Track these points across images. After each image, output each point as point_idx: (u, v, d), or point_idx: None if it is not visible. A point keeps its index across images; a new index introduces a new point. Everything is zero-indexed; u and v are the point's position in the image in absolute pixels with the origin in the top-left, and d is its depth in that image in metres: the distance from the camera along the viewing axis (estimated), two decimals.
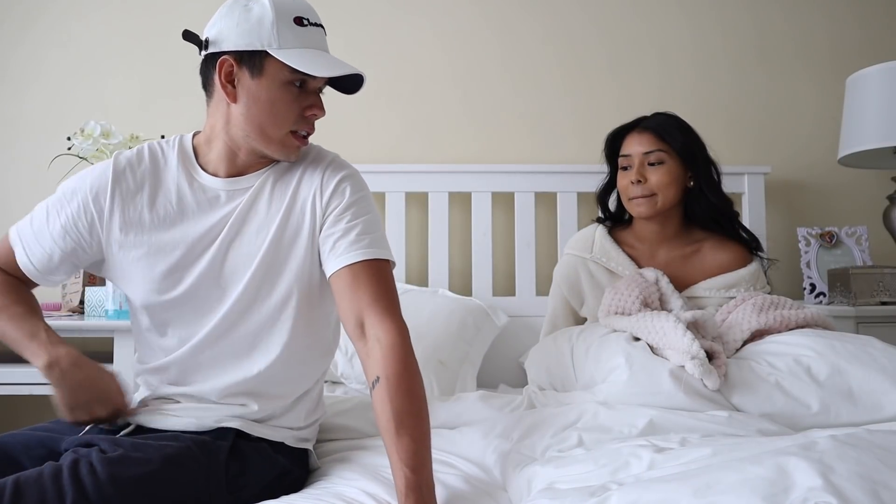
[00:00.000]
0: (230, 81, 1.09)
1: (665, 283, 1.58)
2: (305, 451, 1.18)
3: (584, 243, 1.74)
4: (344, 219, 1.12)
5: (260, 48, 1.06)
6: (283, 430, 1.14)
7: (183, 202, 1.13)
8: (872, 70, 2.06)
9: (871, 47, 2.42)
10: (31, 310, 1.13)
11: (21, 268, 1.15)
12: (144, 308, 1.13)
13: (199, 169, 1.16)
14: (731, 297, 1.62)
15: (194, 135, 1.20)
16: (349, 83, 1.14)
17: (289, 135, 1.12)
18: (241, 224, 1.13)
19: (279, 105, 1.09)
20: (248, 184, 1.15)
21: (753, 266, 1.67)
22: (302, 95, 1.11)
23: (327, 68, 1.08)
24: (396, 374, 1.00)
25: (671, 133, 1.64)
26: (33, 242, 1.14)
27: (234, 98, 1.10)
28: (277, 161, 1.17)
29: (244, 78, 1.08)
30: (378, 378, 1.00)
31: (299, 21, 1.08)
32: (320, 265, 1.14)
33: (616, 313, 1.52)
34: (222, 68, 1.08)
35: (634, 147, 1.65)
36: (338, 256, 1.09)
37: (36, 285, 1.19)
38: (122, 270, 1.14)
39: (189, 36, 1.13)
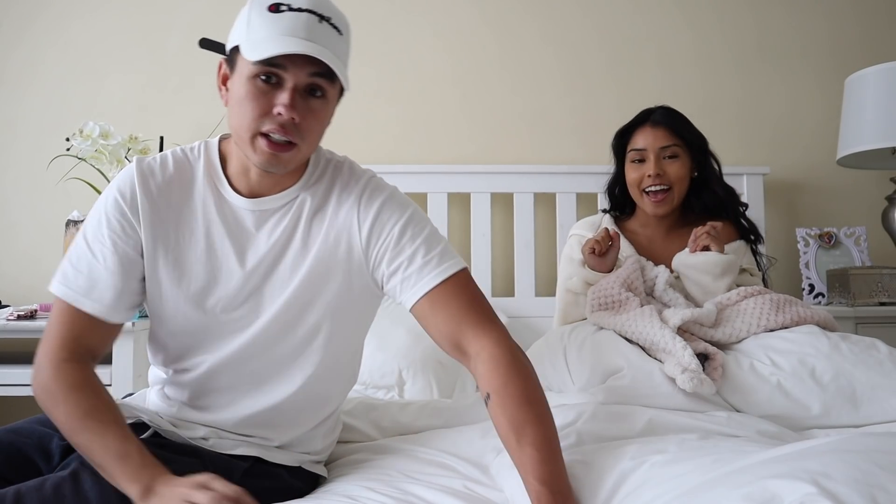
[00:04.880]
0: (225, 84, 1.04)
1: (662, 280, 1.58)
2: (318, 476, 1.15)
3: (591, 225, 1.79)
4: (403, 250, 1.05)
5: (236, 43, 0.99)
6: (301, 454, 1.12)
7: (209, 220, 1.06)
8: (871, 71, 2.06)
9: (871, 48, 2.42)
10: (115, 419, 0.94)
11: (94, 314, 1.00)
12: (168, 330, 1.07)
13: (226, 183, 1.07)
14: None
15: (222, 139, 1.12)
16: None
17: (259, 137, 0.99)
18: (278, 257, 1.06)
19: (245, 101, 0.98)
20: (274, 204, 1.07)
21: (736, 244, 1.71)
22: (273, 92, 0.98)
23: (269, 50, 0.94)
24: (503, 385, 0.95)
25: (683, 127, 1.70)
26: (85, 281, 1.01)
27: (225, 101, 1.04)
28: (296, 180, 1.08)
29: (228, 78, 1.03)
30: (488, 395, 0.97)
31: (275, 7, 0.96)
32: (355, 298, 1.09)
33: (601, 305, 1.53)
34: (220, 72, 1.05)
35: (649, 141, 1.69)
36: (412, 288, 1.04)
37: (111, 336, 1.05)
38: (152, 286, 1.05)
39: (207, 44, 1.09)
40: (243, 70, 0.98)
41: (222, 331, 1.06)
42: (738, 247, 1.70)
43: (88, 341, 1.01)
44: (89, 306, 1.00)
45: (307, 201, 1.08)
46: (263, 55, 0.94)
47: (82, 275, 1.01)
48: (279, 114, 0.97)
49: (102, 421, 0.93)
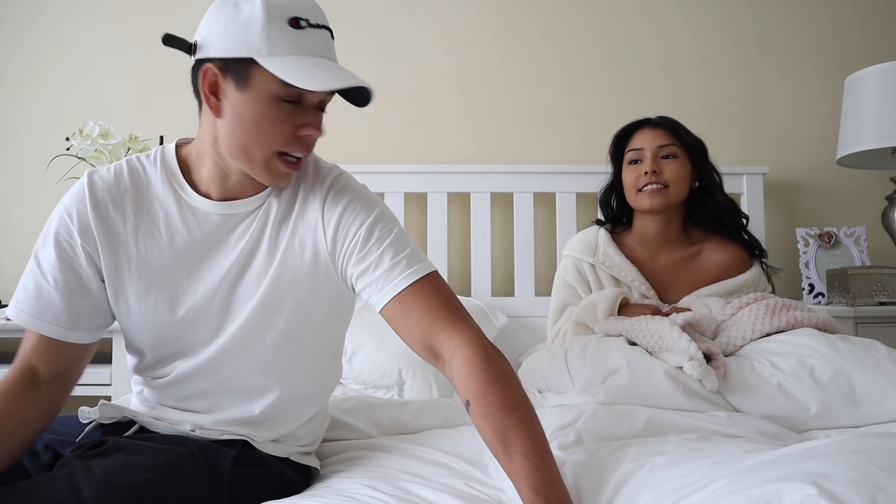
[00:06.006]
0: (214, 93, 0.96)
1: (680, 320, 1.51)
2: (309, 466, 1.15)
3: (587, 246, 1.73)
4: (370, 253, 1.01)
5: (246, 55, 0.91)
6: (290, 447, 1.11)
7: (172, 228, 1.01)
8: (871, 70, 2.06)
9: (872, 47, 2.42)
10: None
11: (51, 336, 0.98)
12: (139, 341, 1.05)
13: (188, 187, 1.02)
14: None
15: (179, 145, 1.07)
16: (357, 93, 0.98)
17: (275, 157, 0.97)
18: (246, 264, 1.02)
19: (266, 124, 0.94)
20: (244, 209, 1.03)
21: (754, 270, 1.69)
22: (297, 112, 0.95)
23: (324, 81, 0.91)
24: (482, 391, 0.91)
25: (682, 130, 1.68)
26: (36, 303, 0.99)
27: (217, 112, 0.96)
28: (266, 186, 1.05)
29: (229, 90, 0.94)
30: (468, 402, 0.93)
31: (295, 22, 0.91)
32: (325, 300, 1.06)
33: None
34: (206, 78, 0.95)
35: (647, 140, 1.67)
36: (380, 291, 1.01)
37: (81, 357, 1.03)
38: (118, 299, 1.03)
39: (171, 40, 0.98)
40: (264, 88, 0.93)
41: (192, 339, 1.03)
42: (755, 274, 1.69)
43: (51, 364, 0.99)
44: (45, 328, 0.98)
45: (273, 205, 1.04)
46: (325, 86, 0.91)
47: (34, 297, 0.99)
48: (308, 135, 0.96)
49: None
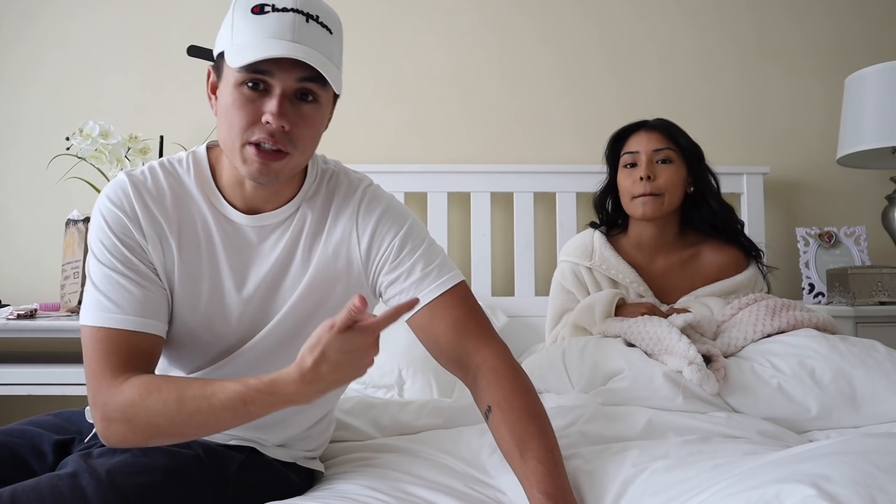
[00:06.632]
0: (214, 93, 0.99)
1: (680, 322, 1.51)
2: (313, 470, 1.15)
3: (583, 250, 1.72)
4: (402, 262, 1.04)
5: (221, 49, 0.95)
6: (296, 451, 1.11)
7: (209, 236, 1.01)
8: (871, 70, 2.06)
9: (872, 47, 2.43)
10: (199, 382, 0.89)
11: (119, 327, 0.93)
12: (169, 346, 1.03)
13: (221, 197, 1.03)
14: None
15: (210, 147, 1.07)
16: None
17: (247, 146, 0.94)
18: (280, 275, 1.03)
19: (232, 111, 0.93)
20: (273, 220, 1.03)
21: (751, 271, 1.69)
22: (261, 99, 0.93)
23: (252, 55, 0.89)
24: (506, 398, 0.95)
25: (678, 134, 1.67)
26: (120, 300, 0.94)
27: (215, 110, 0.99)
28: (294, 193, 1.05)
29: (218, 86, 0.98)
30: (489, 407, 0.96)
31: (259, 9, 0.91)
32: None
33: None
34: (209, 80, 1.00)
35: (643, 144, 1.66)
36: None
37: (159, 351, 0.98)
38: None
39: (195, 52, 1.03)
40: (229, 78, 0.93)
41: (221, 347, 1.03)
42: (752, 274, 1.69)
43: (138, 360, 0.94)
44: (132, 322, 0.94)
45: (308, 216, 1.05)
46: (245, 60, 0.89)
47: (112, 296, 0.94)
48: (267, 122, 0.92)
49: (196, 396, 0.87)
